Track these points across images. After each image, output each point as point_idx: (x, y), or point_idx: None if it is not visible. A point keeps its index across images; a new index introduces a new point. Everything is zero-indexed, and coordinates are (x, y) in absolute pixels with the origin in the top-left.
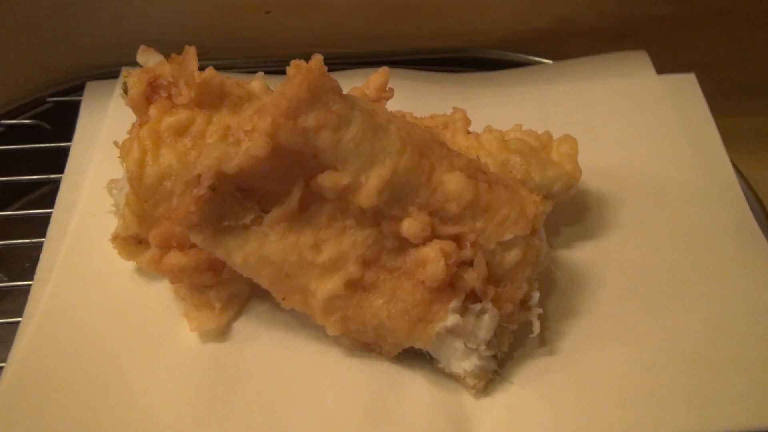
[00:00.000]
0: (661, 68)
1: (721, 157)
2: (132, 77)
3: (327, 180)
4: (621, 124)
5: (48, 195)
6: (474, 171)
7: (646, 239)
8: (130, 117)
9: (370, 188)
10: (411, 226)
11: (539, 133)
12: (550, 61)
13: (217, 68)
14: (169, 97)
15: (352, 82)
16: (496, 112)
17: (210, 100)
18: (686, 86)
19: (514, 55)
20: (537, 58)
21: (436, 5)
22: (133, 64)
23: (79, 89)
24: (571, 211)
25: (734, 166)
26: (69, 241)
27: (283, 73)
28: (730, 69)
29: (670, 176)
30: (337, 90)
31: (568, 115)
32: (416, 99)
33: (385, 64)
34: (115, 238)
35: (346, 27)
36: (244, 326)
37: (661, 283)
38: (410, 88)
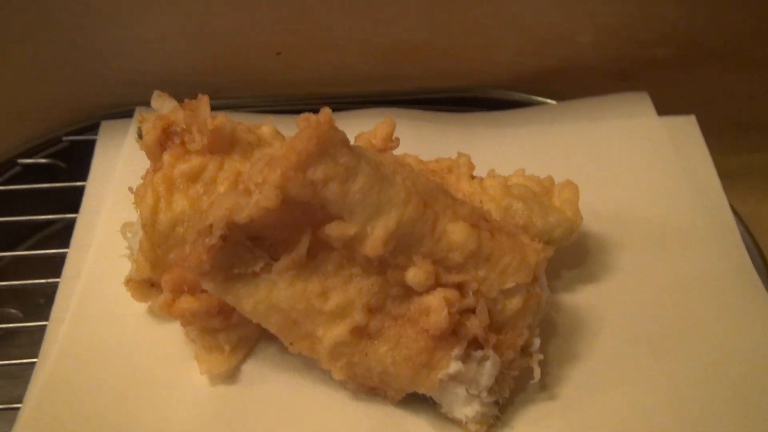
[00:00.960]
0: (662, 107)
1: (720, 199)
2: (146, 123)
3: (334, 230)
4: (622, 166)
5: (61, 232)
6: (477, 219)
7: (646, 283)
8: (143, 157)
9: (376, 238)
10: (415, 275)
11: (541, 177)
12: (554, 102)
13: (228, 107)
14: (183, 143)
15: (359, 123)
16: (500, 152)
17: (222, 146)
18: (686, 128)
19: (518, 95)
20: (540, 98)
21: (441, 47)
22: (147, 103)
23: (93, 128)
24: (572, 255)
25: (732, 207)
26: (83, 283)
27: (293, 112)
28: (730, 108)
29: (670, 219)
30: (345, 142)
31: (571, 155)
32: (422, 139)
33: (391, 104)
34: (128, 281)
35: (353, 68)
36: (252, 368)
37: (661, 328)
38: (416, 128)
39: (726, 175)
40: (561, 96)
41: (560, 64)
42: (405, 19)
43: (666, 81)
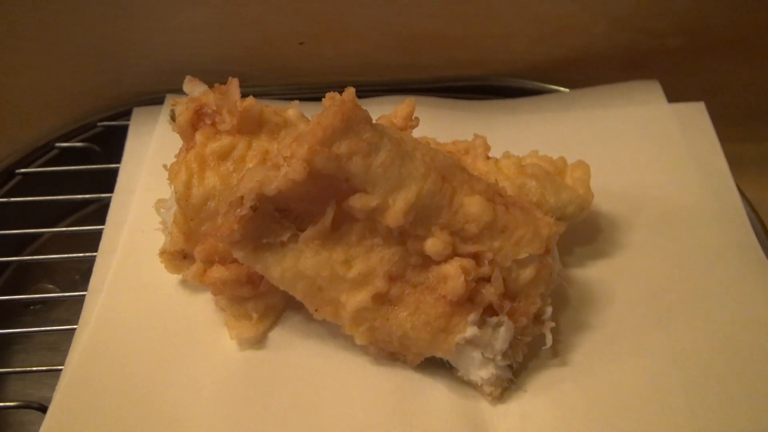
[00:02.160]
0: (673, 95)
1: (727, 181)
2: (179, 106)
3: (358, 202)
4: (633, 150)
5: (95, 213)
6: (492, 194)
7: (655, 259)
8: (173, 140)
9: (396, 210)
10: (434, 244)
11: (554, 158)
12: (567, 89)
13: (255, 95)
14: (213, 124)
15: (380, 109)
16: (514, 137)
17: (250, 127)
18: (695, 114)
19: (532, 83)
20: (554, 87)
21: (458, 36)
22: (176, 91)
23: (126, 114)
24: (584, 232)
25: (739, 189)
26: (119, 256)
27: (315, 99)
28: (739, 97)
29: (679, 199)
30: (368, 120)
31: (583, 141)
32: (439, 125)
33: (411, 92)
34: (162, 253)
35: (374, 57)
36: (279, 335)
37: (668, 300)
38: (434, 114)
39: (735, 162)
40: (574, 84)
41: (573, 54)
42: (423, 10)
43: (676, 70)
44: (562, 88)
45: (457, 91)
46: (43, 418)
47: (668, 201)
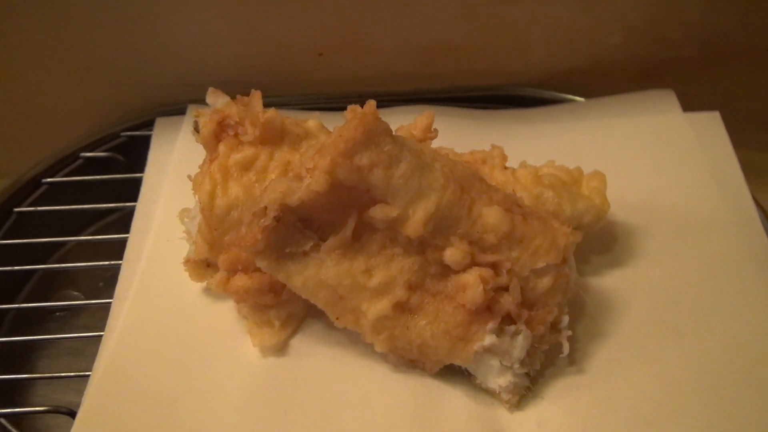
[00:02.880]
0: (687, 105)
1: (742, 190)
2: (203, 117)
3: (378, 212)
4: (648, 159)
5: (117, 221)
6: (510, 204)
7: (670, 268)
8: (196, 150)
9: (416, 220)
10: (453, 254)
11: (571, 168)
12: (582, 99)
13: (274, 105)
14: (236, 135)
15: (398, 119)
16: (531, 146)
17: (272, 138)
18: (710, 123)
19: (548, 93)
20: (570, 96)
21: (474, 47)
22: (197, 101)
23: (149, 124)
24: (600, 241)
25: (754, 198)
26: (144, 264)
27: (334, 109)
28: (754, 105)
29: (694, 208)
30: (389, 132)
31: (599, 150)
32: (456, 135)
33: (428, 102)
34: (186, 261)
35: (391, 67)
36: (300, 343)
37: (684, 309)
38: (452, 124)
39: (750, 171)
40: (589, 94)
41: (589, 64)
42: (440, 21)
43: (691, 79)
44: (577, 98)
45: (474, 100)
46: (70, 423)
47: (684, 210)
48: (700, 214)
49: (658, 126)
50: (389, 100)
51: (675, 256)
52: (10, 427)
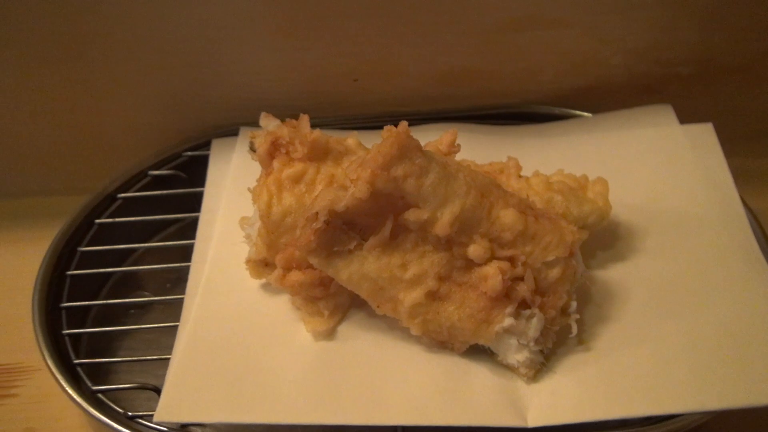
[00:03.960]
0: (685, 117)
1: (732, 193)
2: (258, 138)
3: (411, 216)
4: (647, 166)
5: (178, 230)
6: (524, 207)
7: (667, 261)
8: (249, 166)
9: (444, 222)
10: (475, 250)
11: (577, 176)
12: (589, 114)
13: (317, 125)
14: (287, 153)
15: (426, 135)
16: (542, 157)
17: (318, 155)
18: (704, 134)
19: (558, 109)
20: (577, 112)
21: (492, 71)
22: (249, 123)
23: (206, 145)
24: (604, 239)
25: (743, 200)
26: (209, 265)
27: (368, 128)
28: (745, 119)
29: (688, 209)
30: (419, 148)
31: (604, 159)
32: (477, 148)
33: (452, 120)
34: (248, 261)
35: (419, 90)
36: (346, 329)
37: (678, 295)
38: (473, 139)
39: (740, 178)
40: (596, 109)
41: (595, 83)
42: (461, 49)
43: (688, 95)
44: (585, 113)
45: (493, 117)
46: (155, 397)
47: (679, 211)
48: (693, 214)
49: (656, 137)
50: (417, 119)
51: (671, 250)
52: (107, 401)
